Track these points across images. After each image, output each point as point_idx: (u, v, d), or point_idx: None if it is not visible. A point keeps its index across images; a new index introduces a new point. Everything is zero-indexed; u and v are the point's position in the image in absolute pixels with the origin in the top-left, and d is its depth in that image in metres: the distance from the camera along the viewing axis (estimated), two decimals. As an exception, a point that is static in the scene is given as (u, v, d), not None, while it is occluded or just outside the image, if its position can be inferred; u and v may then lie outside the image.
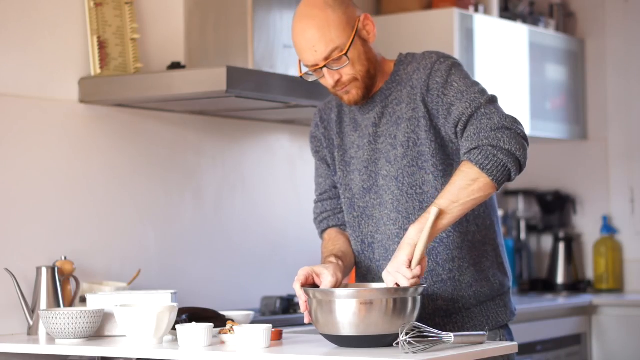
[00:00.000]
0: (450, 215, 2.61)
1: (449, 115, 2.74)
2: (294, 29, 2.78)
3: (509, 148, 2.63)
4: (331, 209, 3.01)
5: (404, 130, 2.80)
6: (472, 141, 2.66)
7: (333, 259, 2.79)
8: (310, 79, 2.82)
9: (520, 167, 2.66)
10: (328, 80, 2.78)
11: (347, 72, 2.77)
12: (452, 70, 2.77)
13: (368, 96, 2.84)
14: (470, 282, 2.83)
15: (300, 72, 2.82)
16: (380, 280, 2.77)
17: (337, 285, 2.69)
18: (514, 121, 2.68)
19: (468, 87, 2.73)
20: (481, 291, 2.84)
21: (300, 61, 2.81)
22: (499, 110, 2.70)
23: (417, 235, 2.59)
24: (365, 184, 2.87)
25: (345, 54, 2.73)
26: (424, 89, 2.78)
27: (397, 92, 2.84)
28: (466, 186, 2.62)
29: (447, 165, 2.79)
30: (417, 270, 2.57)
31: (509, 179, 2.67)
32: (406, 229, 2.73)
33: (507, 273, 2.92)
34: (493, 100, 2.73)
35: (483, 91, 2.74)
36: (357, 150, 2.89)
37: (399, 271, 2.57)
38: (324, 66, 2.75)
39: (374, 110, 2.87)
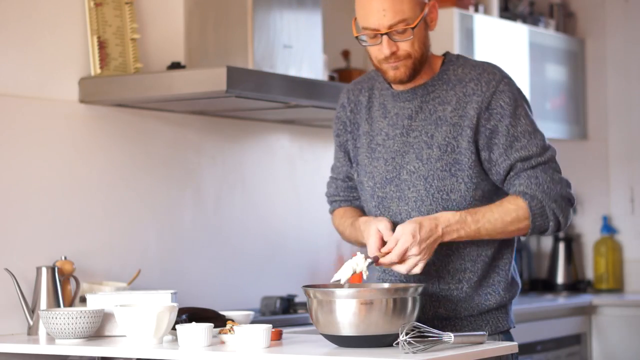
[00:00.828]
0: (472, 237, 2.73)
1: (510, 148, 2.75)
2: None
3: (562, 222, 2.77)
4: (343, 195, 3.01)
5: (445, 134, 2.77)
6: (541, 192, 2.74)
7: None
8: (364, 44, 2.76)
9: (551, 234, 2.81)
10: (384, 49, 2.72)
11: (405, 47, 2.72)
12: (517, 101, 2.78)
13: (412, 79, 2.79)
14: (474, 295, 2.81)
15: (356, 32, 2.76)
16: (390, 273, 2.79)
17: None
18: (570, 187, 2.79)
19: (535, 130, 2.78)
20: (485, 304, 2.82)
21: (355, 20, 2.76)
22: (560, 170, 2.80)
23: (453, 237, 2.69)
24: (389, 174, 2.83)
25: (413, 28, 2.70)
26: (484, 104, 2.75)
27: (441, 91, 2.81)
28: (509, 232, 2.75)
29: (481, 179, 2.78)
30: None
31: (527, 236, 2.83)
32: None
33: (516, 285, 2.88)
34: (555, 155, 2.80)
35: (546, 141, 2.80)
36: (386, 139, 2.85)
37: (430, 252, 2.63)
38: (386, 33, 2.71)
39: (411, 102, 2.82)
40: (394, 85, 2.84)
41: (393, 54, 2.73)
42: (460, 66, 2.82)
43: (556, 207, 2.74)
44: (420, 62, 2.77)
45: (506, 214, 2.73)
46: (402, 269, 2.65)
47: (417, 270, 2.65)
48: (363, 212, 2.97)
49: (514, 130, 2.74)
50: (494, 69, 2.81)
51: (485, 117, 2.75)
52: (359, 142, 2.92)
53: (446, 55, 2.87)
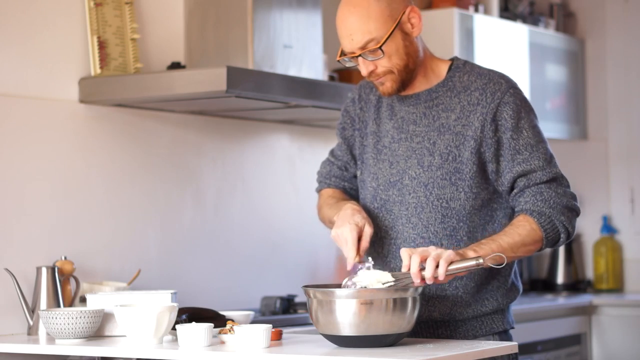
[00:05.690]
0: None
1: (512, 161, 2.75)
2: (337, 13, 2.77)
3: (571, 232, 2.77)
4: (334, 180, 3.01)
5: (447, 142, 2.77)
6: (548, 207, 2.72)
7: (356, 206, 2.81)
8: (347, 64, 2.80)
9: (561, 245, 2.80)
10: (362, 69, 2.76)
11: (382, 64, 2.74)
12: (521, 113, 2.76)
13: (403, 89, 2.80)
14: (470, 300, 2.81)
15: (339, 56, 2.79)
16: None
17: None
18: (576, 199, 2.79)
19: (538, 142, 2.76)
20: (481, 309, 2.82)
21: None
22: (566, 183, 2.79)
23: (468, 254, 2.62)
24: (392, 177, 2.83)
25: (380, 48, 2.70)
26: (489, 116, 2.75)
27: (446, 98, 2.80)
28: (526, 252, 2.72)
29: (483, 188, 2.78)
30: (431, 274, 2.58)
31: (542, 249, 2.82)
32: (423, 237, 2.76)
33: (515, 290, 2.87)
34: (556, 165, 2.78)
35: (548, 151, 2.78)
36: (392, 142, 2.85)
37: (439, 270, 2.55)
38: (359, 55, 2.73)
39: (416, 107, 2.82)
40: None
41: (372, 72, 2.76)
42: (466, 73, 2.81)
43: (565, 219, 2.74)
44: (407, 72, 2.77)
45: (527, 244, 2.72)
46: (428, 272, 2.58)
47: (448, 257, 2.57)
48: (351, 198, 2.98)
49: (515, 143, 2.74)
50: (500, 78, 2.79)
51: (492, 129, 2.75)
52: (365, 141, 2.92)
53: (454, 60, 2.86)
